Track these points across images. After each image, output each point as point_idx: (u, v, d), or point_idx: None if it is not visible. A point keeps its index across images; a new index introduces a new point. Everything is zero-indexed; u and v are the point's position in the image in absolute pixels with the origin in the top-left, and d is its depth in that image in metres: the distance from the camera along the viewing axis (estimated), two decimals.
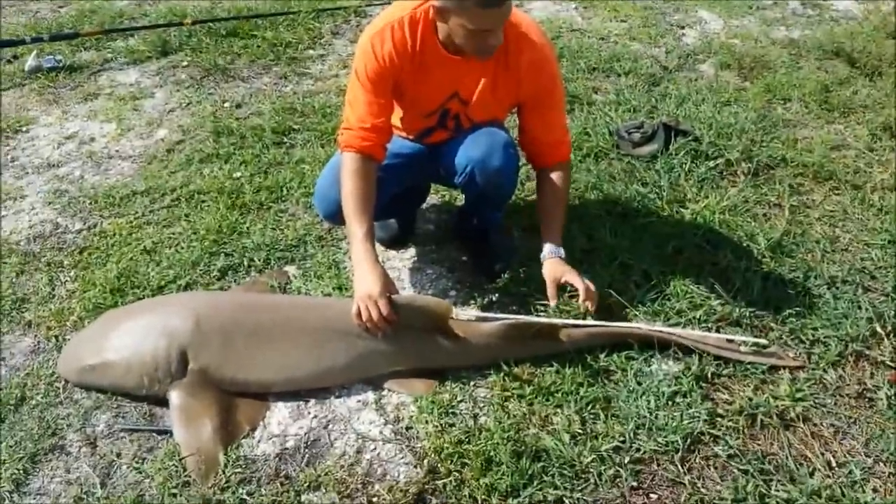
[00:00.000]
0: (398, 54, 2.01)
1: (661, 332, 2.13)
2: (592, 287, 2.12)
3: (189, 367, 1.91)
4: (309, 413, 1.97)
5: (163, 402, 1.94)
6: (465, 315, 2.18)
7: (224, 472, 1.79)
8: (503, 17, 1.88)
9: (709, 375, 2.06)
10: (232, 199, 2.76)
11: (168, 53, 3.99)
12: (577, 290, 2.10)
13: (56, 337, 2.19)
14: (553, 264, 2.16)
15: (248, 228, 2.63)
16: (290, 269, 2.46)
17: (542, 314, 2.17)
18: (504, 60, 2.06)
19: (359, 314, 1.92)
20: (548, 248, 2.19)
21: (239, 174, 2.93)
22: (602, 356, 2.10)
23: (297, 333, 1.97)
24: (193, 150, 3.10)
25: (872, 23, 4.81)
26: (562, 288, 2.15)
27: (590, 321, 2.11)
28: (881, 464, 1.86)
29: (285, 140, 3.19)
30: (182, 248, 2.54)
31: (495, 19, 1.86)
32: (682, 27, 4.58)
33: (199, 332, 1.92)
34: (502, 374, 2.04)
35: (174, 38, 4.08)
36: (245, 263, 2.47)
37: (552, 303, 2.13)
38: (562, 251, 2.19)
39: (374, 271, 1.94)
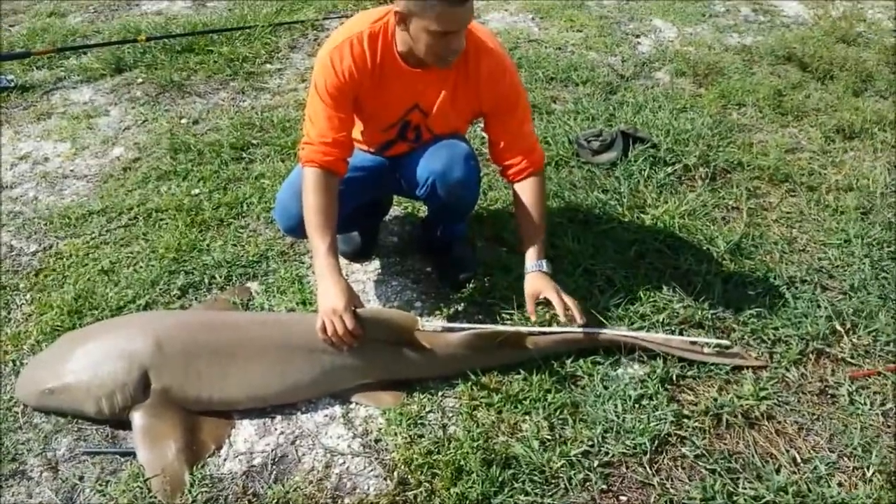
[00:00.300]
0: (357, 69, 2.00)
1: (625, 336, 2.14)
2: (570, 301, 2.08)
3: (151, 388, 1.88)
4: (275, 429, 1.95)
5: (125, 424, 1.89)
6: (430, 326, 2.17)
7: (190, 492, 1.75)
8: (468, 17, 1.88)
9: (674, 378, 2.08)
10: (191, 217, 2.72)
11: (122, 70, 3.93)
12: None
13: (13, 361, 2.13)
14: (533, 279, 2.13)
15: (208, 245, 2.59)
16: (253, 286, 2.43)
17: (507, 322, 2.18)
18: (464, 70, 2.06)
19: (323, 329, 1.90)
20: (528, 263, 2.15)
21: (197, 191, 2.89)
22: (568, 362, 2.11)
23: (261, 350, 1.94)
24: (150, 168, 3.05)
25: (823, 27, 4.93)
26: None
27: (555, 328, 2.12)
28: (845, 458, 1.89)
29: (244, 155, 3.15)
30: (141, 267, 2.49)
31: (460, 19, 1.86)
32: (638, 36, 4.65)
33: (159, 352, 1.88)
34: (470, 384, 2.03)
35: (128, 54, 4.01)
36: (206, 281, 2.43)
37: (532, 318, 2.12)
38: (543, 264, 2.14)
39: (337, 285, 1.92)
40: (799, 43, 4.50)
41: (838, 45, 4.58)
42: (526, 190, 2.20)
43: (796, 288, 2.43)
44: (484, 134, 2.39)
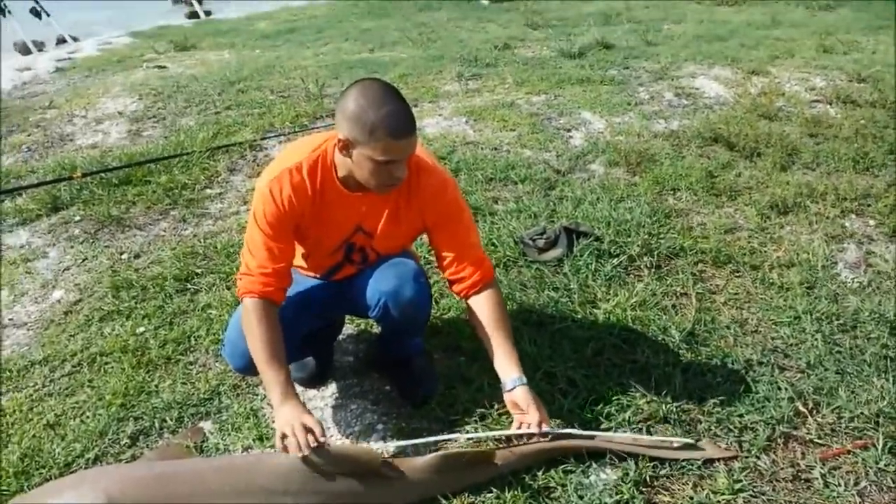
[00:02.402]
0: (297, 198, 2.00)
1: (592, 442, 2.11)
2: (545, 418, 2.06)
3: None
4: None
5: None
6: (386, 445, 2.10)
7: None
8: (411, 148, 1.90)
9: (647, 479, 2.04)
10: (137, 357, 2.64)
11: (59, 209, 3.88)
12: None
13: None
14: (522, 393, 2.05)
15: (156, 387, 2.51)
16: (206, 425, 2.34)
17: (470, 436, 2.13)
18: (405, 189, 2.07)
19: (283, 437, 1.84)
20: (510, 378, 2.08)
21: (142, 329, 2.81)
22: (540, 474, 2.05)
23: (220, 500, 1.84)
24: (92, 310, 2.97)
25: (744, 105, 5.16)
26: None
27: (520, 434, 2.08)
28: None
29: (189, 286, 3.10)
30: (87, 417, 2.39)
31: (404, 150, 1.87)
32: (569, 130, 4.79)
33: None
34: None
35: (64, 192, 3.97)
36: (156, 426, 2.34)
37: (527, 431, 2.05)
38: (523, 378, 2.08)
39: (295, 411, 1.88)
40: (723, 123, 4.69)
41: (761, 122, 4.78)
42: (485, 303, 2.16)
43: (755, 371, 2.44)
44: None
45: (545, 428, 2.03)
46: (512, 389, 2.07)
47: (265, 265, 2.01)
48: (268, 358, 1.95)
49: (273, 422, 2.32)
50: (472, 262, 2.17)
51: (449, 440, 2.08)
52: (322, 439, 1.85)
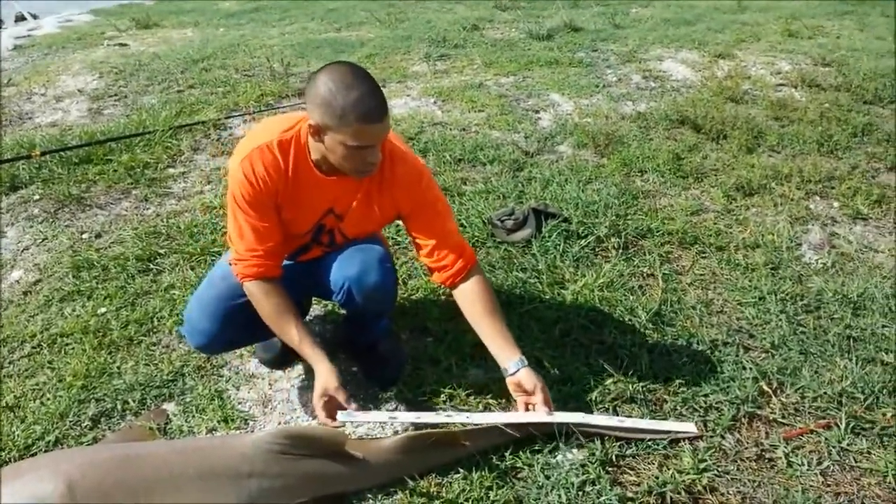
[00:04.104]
0: (271, 176, 1.95)
1: (579, 422, 2.10)
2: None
3: None
4: None
5: None
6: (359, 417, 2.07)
7: None
8: (383, 132, 1.86)
9: (613, 458, 2.04)
10: (98, 338, 2.58)
11: (18, 188, 3.79)
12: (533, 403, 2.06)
13: None
14: (527, 375, 2.05)
15: (118, 368, 2.46)
16: (169, 407, 2.30)
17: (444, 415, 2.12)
18: (378, 176, 2.04)
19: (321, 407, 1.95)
20: (511, 362, 2.06)
21: (104, 310, 2.75)
22: (508, 454, 2.05)
23: (184, 483, 1.81)
24: (52, 290, 2.90)
25: (711, 89, 5.19)
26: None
27: (494, 416, 2.08)
28: None
29: (151, 266, 3.04)
30: (48, 399, 2.33)
31: (376, 135, 1.83)
32: (537, 111, 4.78)
33: (72, 495, 1.74)
34: (408, 490, 1.95)
35: (23, 171, 3.88)
36: (119, 407, 2.29)
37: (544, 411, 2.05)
38: (525, 360, 2.06)
39: (322, 365, 1.98)
40: (690, 106, 4.71)
41: (727, 105, 4.82)
42: (472, 289, 2.13)
43: (720, 351, 2.46)
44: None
45: (551, 411, 2.04)
46: (515, 372, 2.06)
47: (254, 247, 2.00)
48: (282, 327, 2.03)
49: (239, 404, 2.31)
50: (452, 249, 2.13)
51: (451, 423, 2.05)
52: (347, 408, 1.95)
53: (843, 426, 2.13)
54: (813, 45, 6.55)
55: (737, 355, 2.44)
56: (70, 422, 2.24)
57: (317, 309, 2.73)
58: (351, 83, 1.78)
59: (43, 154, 3.93)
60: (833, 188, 3.69)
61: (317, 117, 1.82)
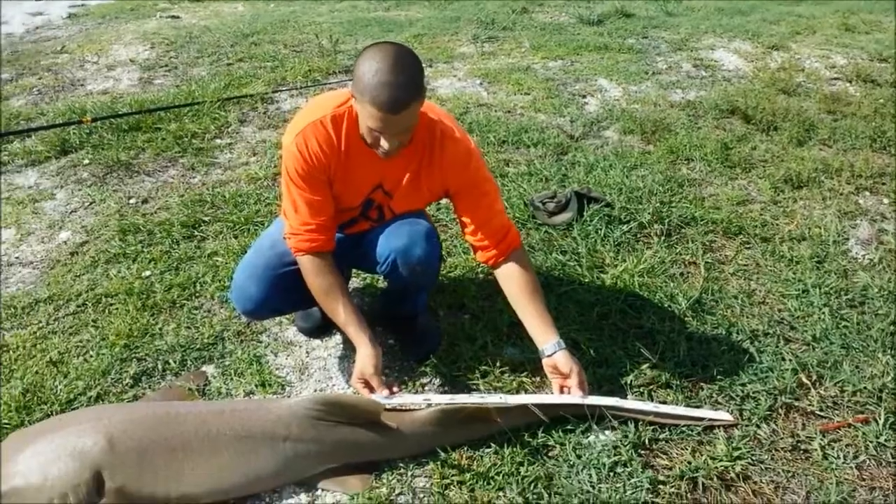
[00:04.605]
0: (324, 151, 1.97)
1: (615, 406, 2.09)
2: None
3: (106, 487, 1.77)
4: None
5: None
6: (395, 401, 2.09)
7: None
8: (396, 125, 1.83)
9: (646, 442, 2.04)
10: (142, 300, 2.64)
11: (68, 152, 3.87)
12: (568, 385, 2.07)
13: None
14: (565, 358, 2.06)
15: (160, 330, 2.51)
16: (209, 369, 2.34)
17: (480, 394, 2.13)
18: (428, 155, 2.05)
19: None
20: (549, 343, 2.07)
21: (148, 273, 2.81)
22: (540, 432, 2.05)
23: (221, 442, 1.85)
24: (99, 252, 2.97)
25: (763, 80, 5.09)
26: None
27: (528, 398, 2.08)
28: None
29: (196, 233, 3.09)
30: (91, 356, 2.39)
31: (386, 124, 1.81)
32: (584, 96, 4.73)
33: (112, 450, 1.78)
34: (440, 462, 1.96)
35: (74, 136, 3.96)
36: (160, 367, 2.34)
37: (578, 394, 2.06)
38: (562, 343, 2.07)
39: (365, 348, 2.03)
40: (741, 96, 4.63)
41: (779, 97, 4.73)
42: (514, 270, 2.13)
43: (759, 342, 2.43)
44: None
45: (586, 395, 2.05)
46: (553, 354, 2.06)
47: (308, 221, 2.03)
48: (331, 305, 2.07)
49: (276, 369, 2.34)
50: (497, 229, 2.14)
51: (486, 403, 2.06)
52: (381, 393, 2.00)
53: (881, 421, 2.09)
54: (870, 41, 6.38)
55: (777, 346, 2.40)
56: (112, 379, 2.30)
57: (356, 282, 2.76)
58: (384, 67, 1.76)
59: (94, 120, 4.00)
60: (884, 184, 3.61)
61: (352, 86, 1.85)
